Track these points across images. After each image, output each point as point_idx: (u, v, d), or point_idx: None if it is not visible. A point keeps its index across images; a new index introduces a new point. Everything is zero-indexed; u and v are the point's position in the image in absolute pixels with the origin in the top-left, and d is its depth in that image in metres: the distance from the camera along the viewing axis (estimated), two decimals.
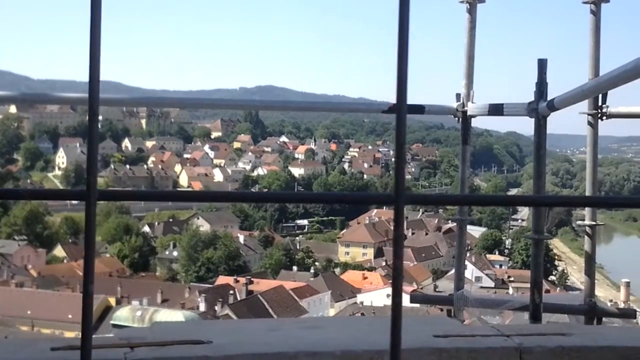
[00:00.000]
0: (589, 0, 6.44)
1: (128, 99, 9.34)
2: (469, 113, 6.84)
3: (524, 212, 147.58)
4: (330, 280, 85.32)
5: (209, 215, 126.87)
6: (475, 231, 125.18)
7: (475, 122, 7.20)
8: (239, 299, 70.72)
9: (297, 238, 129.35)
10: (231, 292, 73.16)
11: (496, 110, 6.63)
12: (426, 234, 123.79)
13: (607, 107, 6.51)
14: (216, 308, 66.71)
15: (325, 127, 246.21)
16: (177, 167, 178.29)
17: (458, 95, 6.87)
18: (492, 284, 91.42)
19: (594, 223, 6.60)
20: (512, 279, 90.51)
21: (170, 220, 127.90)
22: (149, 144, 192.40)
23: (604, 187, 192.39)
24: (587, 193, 6.87)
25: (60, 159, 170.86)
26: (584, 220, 6.68)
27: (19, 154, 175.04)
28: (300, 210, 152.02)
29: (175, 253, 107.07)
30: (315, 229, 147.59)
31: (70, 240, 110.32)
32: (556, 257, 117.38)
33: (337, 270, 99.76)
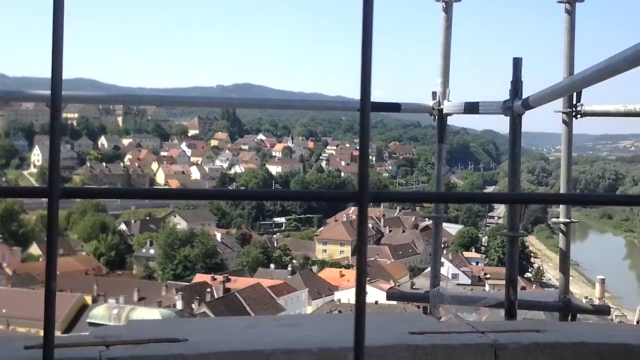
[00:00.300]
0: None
1: (104, 96, 9.30)
2: (444, 111, 6.87)
3: (500, 209, 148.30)
4: (308, 277, 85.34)
5: (185, 213, 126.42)
6: (452, 229, 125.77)
7: (452, 120, 7.24)
8: (216, 296, 70.58)
9: (274, 236, 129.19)
10: (208, 290, 72.99)
11: (472, 108, 6.66)
12: (403, 231, 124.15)
13: (582, 105, 6.57)
14: (193, 306, 66.55)
15: (302, 125, 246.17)
16: (154, 165, 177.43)
17: (434, 94, 6.90)
18: (469, 281, 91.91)
19: (568, 220, 6.65)
20: (488, 276, 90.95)
21: (147, 218, 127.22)
22: (126, 141, 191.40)
23: (579, 185, 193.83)
24: (562, 191, 6.93)
25: (36, 156, 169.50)
26: (559, 217, 6.73)
27: None
28: (278, 208, 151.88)
29: (152, 251, 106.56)
30: (292, 226, 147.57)
31: (46, 239, 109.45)
32: (532, 255, 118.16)
33: (315, 268, 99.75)
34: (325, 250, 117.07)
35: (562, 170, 6.85)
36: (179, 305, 66.35)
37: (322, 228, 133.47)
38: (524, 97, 5.89)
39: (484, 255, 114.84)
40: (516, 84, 6.01)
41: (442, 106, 6.85)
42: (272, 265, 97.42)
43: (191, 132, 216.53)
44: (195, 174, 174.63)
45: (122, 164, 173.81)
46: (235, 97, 53.70)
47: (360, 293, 0.90)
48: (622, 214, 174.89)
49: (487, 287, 74.27)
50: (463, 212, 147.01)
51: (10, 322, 60.89)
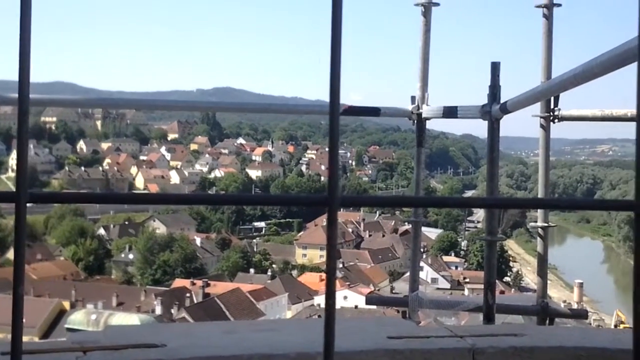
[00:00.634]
0: (542, 4, 6.54)
1: (83, 100, 9.23)
2: (423, 115, 6.89)
3: (480, 213, 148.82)
4: (288, 282, 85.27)
5: (165, 218, 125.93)
6: (432, 233, 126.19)
7: (432, 125, 7.25)
8: (195, 301, 70.38)
9: (254, 240, 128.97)
10: (188, 295, 72.76)
11: (450, 112, 6.69)
12: (383, 235, 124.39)
13: (559, 110, 6.61)
14: (172, 311, 66.28)
15: (282, 129, 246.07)
16: (133, 169, 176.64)
17: (413, 98, 6.92)
18: (448, 286, 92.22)
19: (546, 225, 6.68)
20: (467, 280, 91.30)
21: (126, 222, 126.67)
22: (105, 145, 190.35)
23: (557, 189, 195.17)
24: (540, 195, 6.96)
25: (13, 160, 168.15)
26: (537, 222, 6.76)
27: None
28: (258, 212, 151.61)
29: (130, 256, 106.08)
30: (272, 231, 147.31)
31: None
32: (511, 259, 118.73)
33: (295, 273, 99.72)
34: (305, 255, 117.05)
35: (539, 174, 6.89)
36: (158, 310, 66.05)
37: (302, 232, 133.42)
38: (502, 101, 5.92)
39: (464, 260, 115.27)
40: (494, 89, 6.04)
41: (421, 110, 6.87)
42: (251, 270, 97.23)
43: (171, 136, 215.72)
44: (174, 178, 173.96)
45: (101, 168, 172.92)
46: (215, 100, 53.53)
47: (330, 297, 0.92)
48: (600, 218, 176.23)
49: (466, 291, 74.58)
50: (442, 216, 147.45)
51: None
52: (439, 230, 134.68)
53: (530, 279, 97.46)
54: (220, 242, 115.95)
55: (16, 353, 0.92)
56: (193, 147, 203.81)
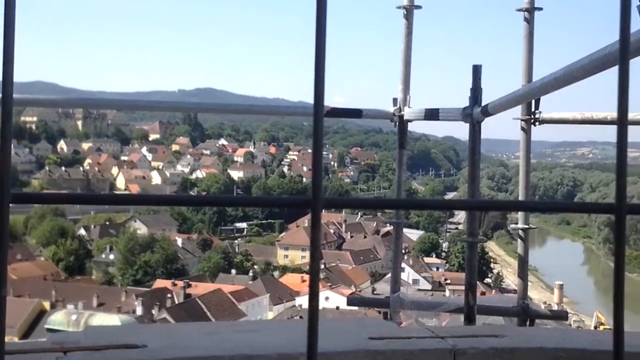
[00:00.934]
0: (523, 8, 6.58)
1: (64, 100, 9.19)
2: (405, 117, 6.91)
3: (461, 215, 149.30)
4: (269, 283, 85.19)
5: (146, 218, 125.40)
6: (413, 234, 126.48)
7: (414, 127, 7.27)
8: (176, 302, 70.17)
9: (236, 241, 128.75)
10: (169, 295, 72.53)
11: (432, 115, 6.71)
12: (365, 237, 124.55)
13: (540, 113, 6.65)
14: (153, 312, 66.05)
15: (264, 130, 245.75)
16: (114, 170, 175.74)
17: (395, 100, 6.94)
18: (430, 287, 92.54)
19: (526, 226, 6.72)
20: (449, 281, 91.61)
21: (107, 223, 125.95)
22: (85, 145, 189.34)
23: (538, 192, 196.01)
24: (520, 197, 7.00)
25: None
26: (517, 223, 6.79)
27: None
28: (239, 213, 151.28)
29: (111, 256, 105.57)
30: (254, 232, 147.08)
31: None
32: (492, 260, 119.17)
33: (276, 274, 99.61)
34: (286, 256, 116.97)
35: (520, 177, 6.92)
36: (139, 311, 65.80)
37: (283, 233, 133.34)
38: (483, 104, 5.95)
39: (445, 261, 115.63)
40: (475, 91, 6.07)
41: (402, 112, 6.89)
42: (233, 271, 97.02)
43: (152, 137, 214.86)
44: (156, 178, 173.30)
45: (81, 168, 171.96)
46: (196, 101, 53.43)
47: (314, 299, 0.91)
48: (580, 220, 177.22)
49: (447, 293, 74.82)
50: (424, 217, 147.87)
51: None
52: (421, 232, 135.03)
53: (511, 280, 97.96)
54: (201, 242, 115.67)
55: None
56: (174, 147, 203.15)
